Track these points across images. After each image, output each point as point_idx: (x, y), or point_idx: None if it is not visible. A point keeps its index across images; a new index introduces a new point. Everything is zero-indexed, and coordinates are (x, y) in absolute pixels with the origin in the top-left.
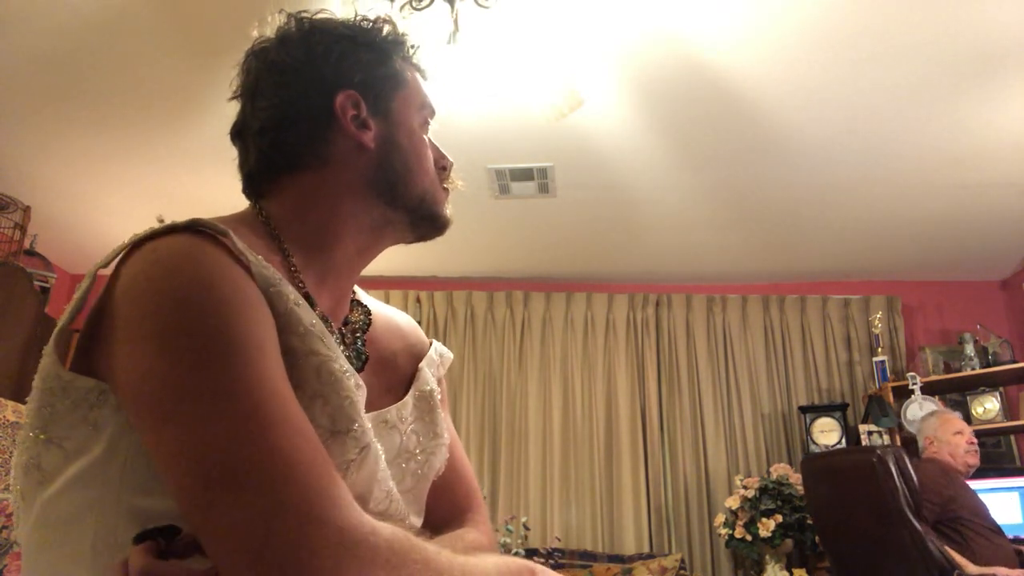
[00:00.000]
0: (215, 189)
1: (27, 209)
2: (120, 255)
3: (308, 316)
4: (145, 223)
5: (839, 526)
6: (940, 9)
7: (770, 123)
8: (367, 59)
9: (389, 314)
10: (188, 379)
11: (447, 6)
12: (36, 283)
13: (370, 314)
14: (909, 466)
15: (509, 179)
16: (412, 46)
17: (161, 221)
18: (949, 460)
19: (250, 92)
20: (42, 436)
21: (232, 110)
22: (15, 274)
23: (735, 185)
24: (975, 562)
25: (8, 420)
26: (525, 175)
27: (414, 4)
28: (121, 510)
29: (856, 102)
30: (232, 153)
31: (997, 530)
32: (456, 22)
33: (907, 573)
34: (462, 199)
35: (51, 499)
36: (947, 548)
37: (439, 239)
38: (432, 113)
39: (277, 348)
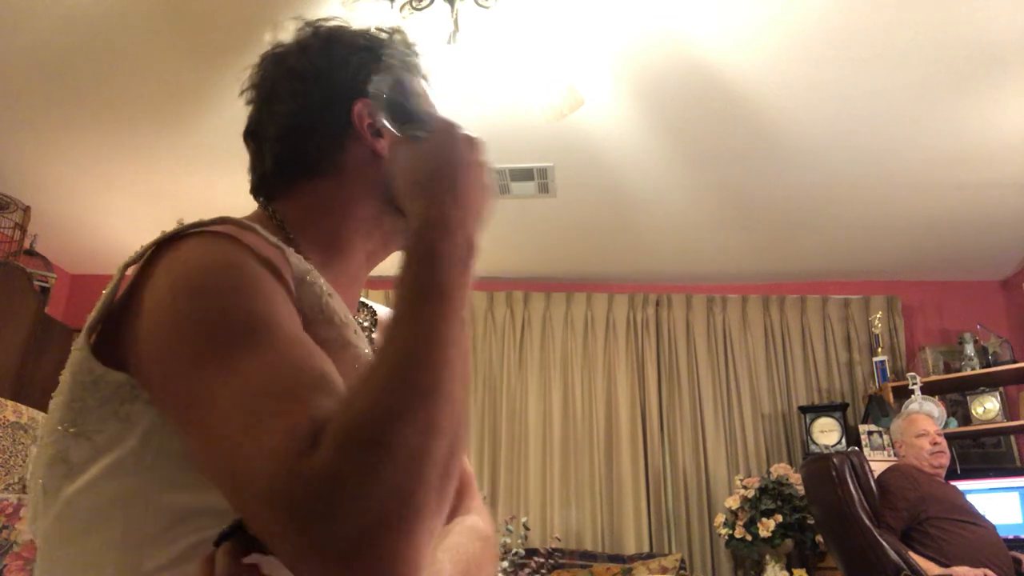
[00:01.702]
0: (215, 189)
1: (27, 209)
2: (147, 252)
3: (341, 307)
4: (145, 223)
5: (820, 529)
6: (940, 9)
7: (770, 123)
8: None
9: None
10: (203, 371)
11: (447, 6)
12: (36, 283)
13: (376, 315)
14: (868, 471)
15: (509, 179)
16: (422, 56)
17: (181, 223)
18: (915, 463)
19: (266, 96)
20: (72, 430)
21: (232, 111)
22: (15, 274)
23: (735, 185)
24: (951, 557)
25: (8, 420)
26: (525, 175)
27: (414, 4)
28: (150, 505)
29: (856, 102)
30: (231, 153)
31: (974, 520)
32: (456, 22)
33: (851, 572)
34: None
35: (77, 493)
36: (912, 554)
37: None
38: None
39: (297, 324)
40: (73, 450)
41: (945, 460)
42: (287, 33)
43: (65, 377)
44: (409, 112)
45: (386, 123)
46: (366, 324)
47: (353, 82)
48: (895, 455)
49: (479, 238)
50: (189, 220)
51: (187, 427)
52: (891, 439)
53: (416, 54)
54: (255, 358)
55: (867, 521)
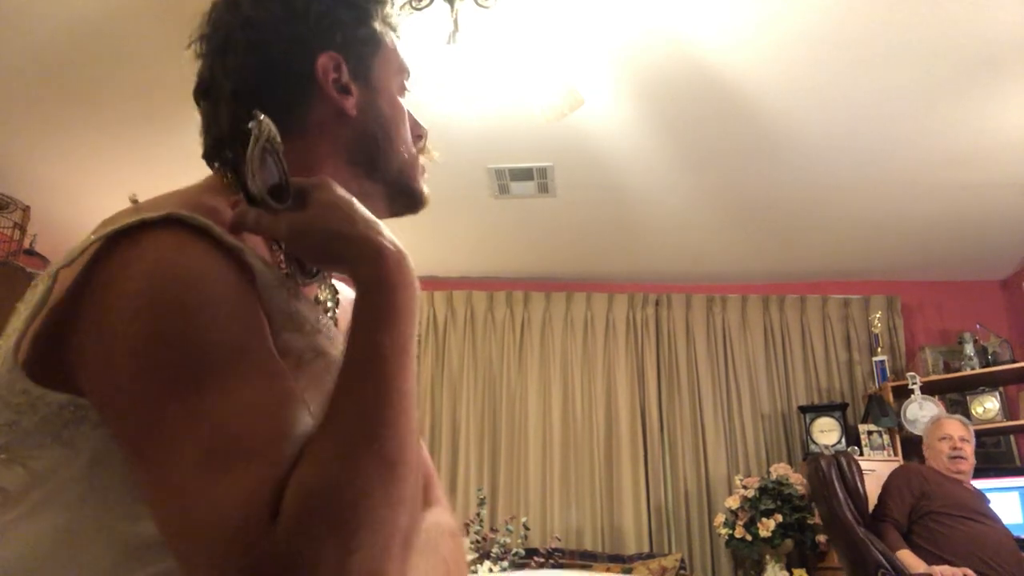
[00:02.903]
0: None
1: (27, 209)
2: (88, 250)
3: (310, 311)
4: None
5: (823, 527)
6: (940, 10)
7: (770, 123)
8: (348, 18)
9: (350, 292)
10: (160, 409)
11: (447, 6)
12: None
13: (337, 292)
14: (857, 472)
15: (509, 179)
16: (390, 3)
17: (134, 201)
18: (933, 465)
19: (219, 49)
20: (2, 456)
21: None
22: (15, 274)
23: (735, 185)
24: (948, 552)
25: None
26: (525, 175)
27: (414, 4)
28: (102, 536)
29: (856, 102)
30: None
31: (982, 519)
32: (456, 22)
33: (850, 571)
34: (462, 199)
35: (16, 521)
36: (905, 550)
37: (439, 238)
38: (409, 76)
39: (266, 346)
40: (5, 477)
41: (964, 466)
42: None
43: None
44: (280, 171)
45: (257, 177)
46: (329, 304)
47: (315, 32)
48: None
49: (408, 267)
50: (165, 212)
51: (139, 465)
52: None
53: (384, 1)
54: (223, 397)
55: (851, 520)
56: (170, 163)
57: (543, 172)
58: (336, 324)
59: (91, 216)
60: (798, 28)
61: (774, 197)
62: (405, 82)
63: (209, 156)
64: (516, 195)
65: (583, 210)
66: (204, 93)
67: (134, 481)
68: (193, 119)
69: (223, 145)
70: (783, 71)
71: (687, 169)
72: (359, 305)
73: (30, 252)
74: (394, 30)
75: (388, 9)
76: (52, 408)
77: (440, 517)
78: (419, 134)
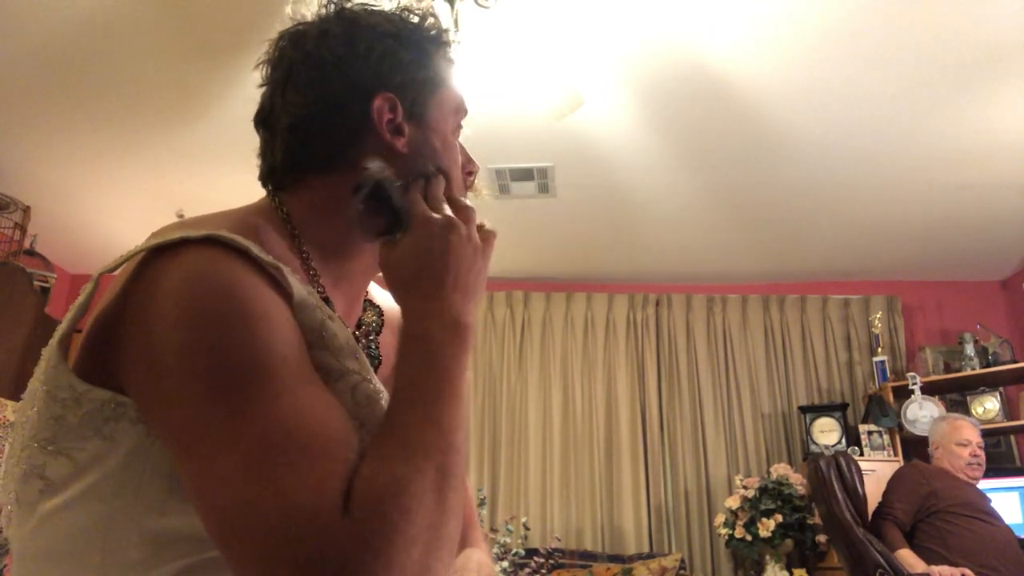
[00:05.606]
0: (215, 189)
1: (27, 209)
2: (132, 260)
3: (342, 331)
4: (144, 223)
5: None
6: (940, 9)
7: (770, 123)
8: (408, 60)
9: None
10: (209, 407)
11: (447, 6)
12: (36, 283)
13: (382, 315)
14: (855, 472)
15: (509, 179)
16: (454, 43)
17: (180, 216)
18: (947, 468)
19: (281, 81)
20: (50, 447)
21: (232, 111)
22: (15, 274)
23: (735, 185)
24: (954, 551)
25: (8, 420)
26: (525, 175)
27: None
28: (132, 529)
29: (856, 102)
30: (232, 153)
31: (988, 519)
32: (456, 22)
33: (850, 571)
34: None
35: (55, 510)
36: (906, 549)
37: None
38: (465, 114)
39: (305, 358)
40: (51, 467)
41: (977, 474)
42: (310, 7)
43: (37, 389)
44: (392, 209)
45: (363, 225)
46: (373, 325)
47: (375, 73)
48: (930, 457)
49: (474, 318)
50: (206, 232)
51: (188, 464)
52: (929, 439)
53: (447, 42)
54: (275, 402)
55: (850, 520)
56: (170, 163)
57: (543, 172)
58: (378, 346)
59: (91, 216)
60: (798, 30)
61: (774, 197)
62: (461, 120)
63: (264, 179)
64: (516, 195)
65: (583, 210)
66: (263, 121)
67: (168, 477)
68: (193, 120)
69: (275, 173)
70: (783, 71)
71: (687, 169)
72: (408, 334)
73: (30, 252)
74: (453, 63)
75: (450, 51)
76: (95, 404)
77: (483, 558)
78: (470, 171)
